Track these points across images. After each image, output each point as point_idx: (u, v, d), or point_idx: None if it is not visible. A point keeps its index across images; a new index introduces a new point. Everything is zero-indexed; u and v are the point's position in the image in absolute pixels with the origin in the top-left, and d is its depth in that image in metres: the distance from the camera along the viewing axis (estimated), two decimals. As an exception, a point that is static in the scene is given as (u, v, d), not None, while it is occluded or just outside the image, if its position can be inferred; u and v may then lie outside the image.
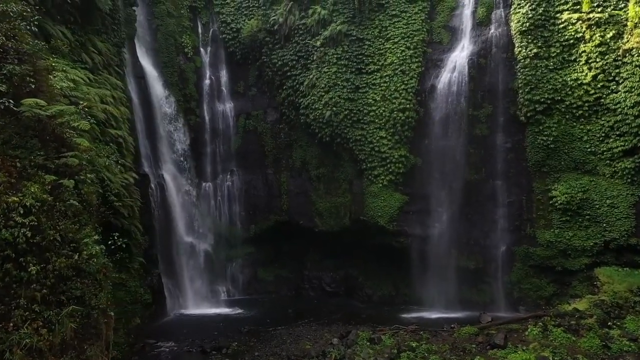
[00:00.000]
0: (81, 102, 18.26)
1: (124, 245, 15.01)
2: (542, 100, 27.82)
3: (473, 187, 29.87)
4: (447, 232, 30.19)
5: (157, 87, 31.70)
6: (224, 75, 36.26)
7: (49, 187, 10.99)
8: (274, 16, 34.24)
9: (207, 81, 35.75)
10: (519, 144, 29.00)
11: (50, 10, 20.35)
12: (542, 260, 28.03)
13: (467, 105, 29.83)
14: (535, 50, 28.05)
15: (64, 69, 17.07)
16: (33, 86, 11.79)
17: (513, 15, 29.03)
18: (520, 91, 28.42)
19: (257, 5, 35.33)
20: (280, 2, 34.48)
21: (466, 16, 31.14)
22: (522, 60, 28.39)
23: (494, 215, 29.46)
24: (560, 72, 27.73)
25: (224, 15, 35.78)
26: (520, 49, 28.53)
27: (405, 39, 31.45)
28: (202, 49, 35.96)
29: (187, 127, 33.72)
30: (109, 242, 14.04)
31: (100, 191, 18.33)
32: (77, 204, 11.65)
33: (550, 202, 27.84)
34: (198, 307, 30.13)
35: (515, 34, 28.82)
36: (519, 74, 28.54)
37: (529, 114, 28.23)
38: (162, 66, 32.96)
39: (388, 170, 30.82)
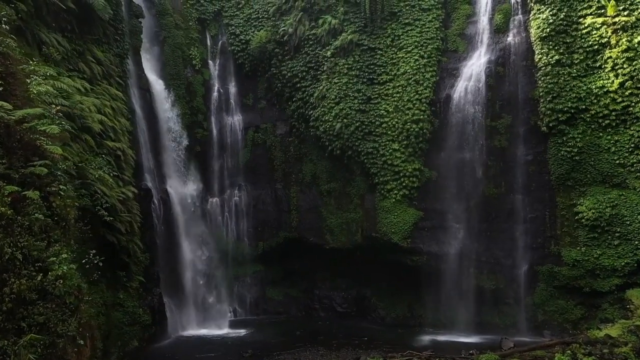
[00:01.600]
0: (69, 110, 17.32)
1: (100, 264, 13.71)
2: (566, 109, 26.18)
3: (492, 202, 28.23)
4: (464, 250, 28.55)
5: (163, 100, 30.88)
6: (232, 87, 35.38)
7: (9, 199, 9.82)
8: (283, 27, 33.36)
9: (215, 94, 34.89)
10: (540, 156, 27.33)
11: (45, 17, 19.60)
12: (568, 281, 26.13)
13: (485, 116, 28.35)
14: (557, 57, 26.52)
15: (51, 75, 16.11)
16: (1, 88, 10.71)
17: (533, 21, 27.60)
18: (542, 100, 26.84)
19: (266, 16, 34.53)
20: (290, 13, 33.60)
21: (483, 23, 29.83)
22: (543, 68, 26.88)
23: (515, 232, 27.69)
24: (585, 79, 26.10)
25: (232, 27, 35.05)
26: (541, 56, 27.03)
27: (419, 48, 30.21)
28: (210, 61, 35.18)
29: (194, 141, 32.76)
30: (94, 260, 12.75)
31: (90, 205, 17.24)
32: (43, 218, 10.46)
33: (576, 218, 25.99)
34: (202, 328, 28.79)
35: (535, 40, 27.35)
36: (539, 82, 27.00)
37: (551, 124, 26.59)
38: (169, 78, 32.20)
39: (401, 185, 29.38)
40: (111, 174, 21.10)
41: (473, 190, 28.47)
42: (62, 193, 11.56)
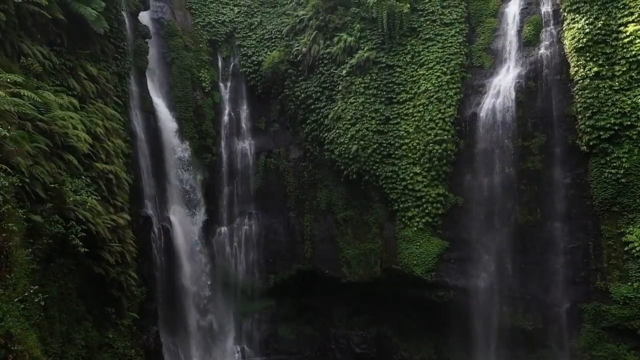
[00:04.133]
0: (47, 126, 15.50)
1: (42, 303, 11.46)
2: (608, 126, 23.42)
3: (526, 231, 25.47)
4: (496, 285, 25.81)
5: (169, 123, 29.29)
6: (244, 110, 33.68)
7: None
8: (297, 47, 31.74)
9: (226, 117, 33.21)
10: (581, 179, 24.48)
11: (30, 28, 18.13)
12: (618, 321, 22.95)
13: (516, 135, 25.89)
14: (595, 69, 23.96)
15: (19, 82, 14.37)
16: None
17: (566, 32, 25.24)
18: (580, 117, 24.18)
19: (279, 36, 33.05)
20: (304, 32, 32.00)
21: (511, 37, 27.63)
22: (581, 82, 24.31)
23: (554, 264, 24.69)
24: (629, 92, 23.42)
25: (245, 48, 33.60)
26: (577, 68, 24.53)
27: (441, 64, 28.10)
28: (221, 84, 33.66)
29: (202, 166, 30.91)
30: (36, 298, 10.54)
31: (63, 232, 15.16)
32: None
33: (625, 249, 22.92)
34: (205, 371, 26.26)
35: (570, 52, 24.89)
36: (577, 97, 24.40)
37: (592, 143, 23.81)
38: (176, 101, 30.68)
39: (424, 212, 26.90)
40: (99, 199, 19.22)
41: (504, 217, 25.86)
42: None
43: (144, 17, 30.10)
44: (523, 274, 25.30)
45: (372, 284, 29.10)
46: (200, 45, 33.07)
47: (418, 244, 27.02)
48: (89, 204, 17.72)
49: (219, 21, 33.83)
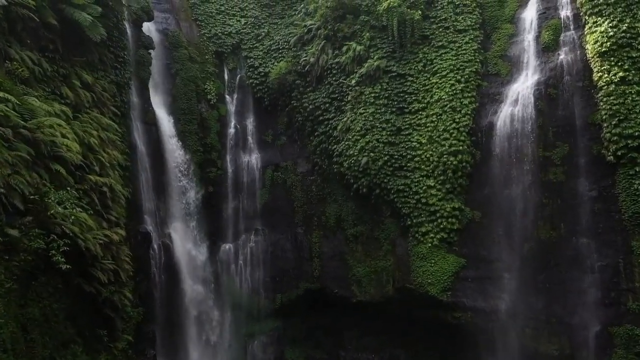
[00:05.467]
0: (30, 133, 14.43)
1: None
2: (637, 134, 21.84)
3: (549, 248, 23.75)
4: (518, 306, 24.04)
5: (172, 136, 28.34)
6: (250, 123, 32.61)
7: None
8: (305, 57, 30.73)
9: (232, 130, 32.15)
10: (608, 191, 22.77)
11: (19, 33, 17.27)
12: (654, 346, 20.86)
13: (536, 145, 24.39)
14: (621, 74, 22.50)
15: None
16: None
17: (588, 36, 23.86)
18: (606, 125, 22.62)
19: (287, 47, 32.12)
20: (312, 42, 31.01)
21: (528, 42, 26.38)
22: (605, 88, 22.82)
23: (581, 283, 22.86)
24: (658, 98, 21.79)
25: (251, 60, 32.69)
26: (601, 74, 23.06)
27: (455, 72, 26.88)
28: (227, 96, 32.69)
29: (206, 181, 29.76)
30: None
31: (44, 248, 13.95)
32: None
33: (659, 267, 21.02)
34: (206, 397, 24.70)
35: (592, 57, 23.48)
36: (601, 104, 22.88)
37: (619, 153, 22.17)
38: (180, 113, 29.73)
39: (439, 227, 25.41)
40: (91, 213, 18.10)
41: (525, 233, 24.19)
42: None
43: (149, 28, 29.47)
44: (547, 294, 23.46)
45: (384, 303, 27.51)
46: (206, 56, 32.23)
47: (433, 261, 25.42)
48: (77, 217, 16.58)
49: (226, 32, 33.04)
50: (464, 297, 25.07)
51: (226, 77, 33.09)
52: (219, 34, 32.84)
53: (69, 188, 15.65)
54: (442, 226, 25.36)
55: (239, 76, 33.18)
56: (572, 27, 25.11)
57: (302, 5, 32.74)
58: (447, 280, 25.02)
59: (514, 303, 23.94)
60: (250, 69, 32.70)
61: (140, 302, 22.10)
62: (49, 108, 16.72)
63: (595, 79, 23.30)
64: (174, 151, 28.13)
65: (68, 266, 14.34)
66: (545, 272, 23.66)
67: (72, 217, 15.54)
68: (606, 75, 22.86)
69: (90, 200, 18.55)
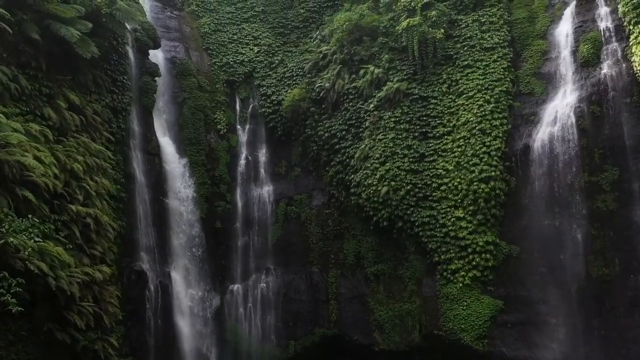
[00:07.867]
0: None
1: None
2: (700, 152, 18.74)
3: (604, 287, 20.54)
4: (569, 356, 20.40)
5: (175, 167, 26.41)
6: (262, 154, 30.49)
7: None
8: (319, 83, 28.84)
9: (243, 161, 30.03)
10: (669, 221, 19.52)
11: (-4, 47, 15.66)
12: None
13: (580, 169, 21.59)
14: (675, 87, 19.63)
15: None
16: None
17: (634, 47, 21.47)
18: (661, 144, 19.62)
19: (301, 74, 30.36)
20: (327, 68, 29.17)
21: (565, 58, 24.14)
22: (658, 102, 19.97)
23: (644, 330, 19.28)
24: None
25: (264, 88, 30.91)
26: (652, 87, 20.25)
27: (483, 92, 24.61)
28: (238, 126, 30.77)
29: (214, 215, 27.48)
30: None
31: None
32: None
33: None
34: None
35: (640, 70, 20.75)
36: (655, 120, 19.98)
37: (681, 175, 19.07)
38: (186, 143, 27.84)
39: (470, 264, 22.51)
40: (71, 247, 15.89)
41: (573, 270, 21.07)
42: None
43: (156, 55, 28.13)
44: (603, 343, 19.95)
45: (410, 352, 24.22)
46: (217, 85, 30.62)
47: (465, 303, 22.27)
48: (50, 251, 14.36)
49: (238, 61, 31.50)
50: (503, 346, 21.72)
51: (237, 106, 31.30)
52: (231, 63, 31.30)
53: (33, 218, 13.39)
54: (474, 263, 22.34)
55: (251, 105, 31.34)
56: (614, 39, 22.69)
57: (317, 33, 31.23)
58: (483, 326, 21.76)
59: (564, 354, 20.45)
60: (263, 98, 30.88)
61: (131, 351, 19.53)
62: (22, 127, 14.81)
63: (645, 93, 20.61)
64: (178, 183, 26.09)
65: (20, 309, 11.90)
66: (600, 316, 20.30)
67: (43, 251, 13.27)
68: (658, 88, 20.16)
69: (70, 232, 16.40)
